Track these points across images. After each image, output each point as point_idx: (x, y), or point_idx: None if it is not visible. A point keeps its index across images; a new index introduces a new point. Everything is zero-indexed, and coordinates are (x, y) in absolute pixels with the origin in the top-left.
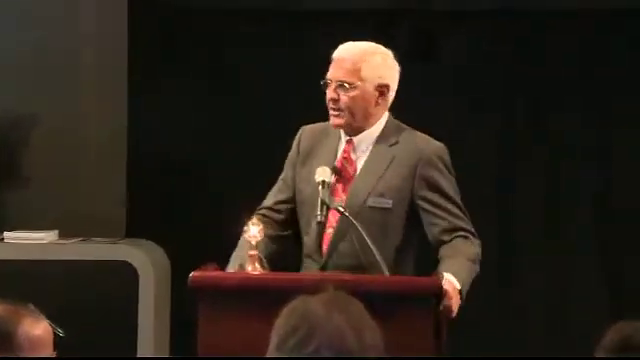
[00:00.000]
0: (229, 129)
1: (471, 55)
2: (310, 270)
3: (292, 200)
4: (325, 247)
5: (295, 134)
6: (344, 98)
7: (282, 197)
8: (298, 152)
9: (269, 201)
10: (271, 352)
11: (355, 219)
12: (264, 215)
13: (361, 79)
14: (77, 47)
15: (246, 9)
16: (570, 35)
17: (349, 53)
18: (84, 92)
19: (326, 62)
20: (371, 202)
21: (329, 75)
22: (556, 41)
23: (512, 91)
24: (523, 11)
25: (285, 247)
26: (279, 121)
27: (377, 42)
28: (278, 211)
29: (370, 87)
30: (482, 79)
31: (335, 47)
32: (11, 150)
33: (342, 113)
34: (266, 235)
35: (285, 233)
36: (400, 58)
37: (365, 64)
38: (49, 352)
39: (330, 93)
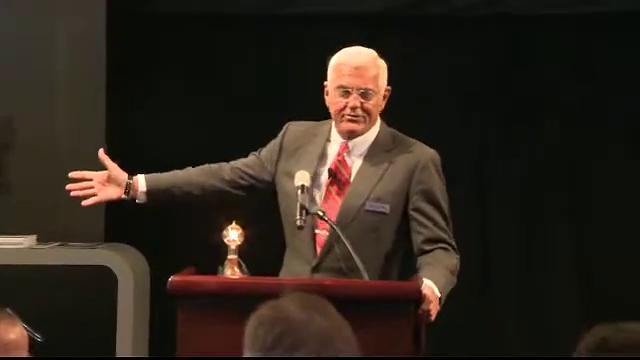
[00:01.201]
0: (209, 133)
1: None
2: (299, 271)
3: (256, 180)
4: (319, 249)
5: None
6: (367, 105)
7: (249, 171)
8: (281, 146)
9: (240, 163)
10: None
11: (351, 222)
12: (237, 168)
13: (377, 86)
14: (53, 48)
15: (233, 13)
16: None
17: (366, 61)
18: (61, 95)
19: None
20: (368, 206)
21: (349, 83)
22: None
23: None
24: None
25: (222, 197)
26: (264, 125)
27: (369, 46)
28: (242, 174)
29: (381, 93)
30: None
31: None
32: None
33: (361, 119)
34: (226, 180)
35: (234, 193)
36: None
37: (381, 71)
38: (26, 353)
39: (353, 101)
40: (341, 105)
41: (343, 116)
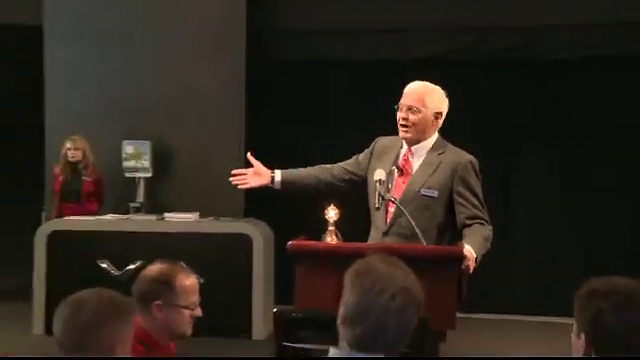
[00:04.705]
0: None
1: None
2: (375, 238)
3: (355, 175)
4: (388, 220)
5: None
6: (412, 118)
7: (350, 169)
8: (372, 151)
9: (344, 164)
10: (351, 298)
11: (411, 202)
12: (343, 168)
13: (424, 106)
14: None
15: (336, 60)
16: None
17: (416, 88)
18: (215, 119)
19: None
20: (422, 192)
21: (401, 102)
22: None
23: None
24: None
25: (331, 187)
26: (366, 138)
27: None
28: (345, 172)
29: (430, 113)
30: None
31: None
32: (165, 158)
33: (409, 129)
34: (334, 174)
35: (338, 184)
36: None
37: (427, 96)
38: (196, 297)
39: (401, 114)
40: (398, 118)
41: (399, 128)
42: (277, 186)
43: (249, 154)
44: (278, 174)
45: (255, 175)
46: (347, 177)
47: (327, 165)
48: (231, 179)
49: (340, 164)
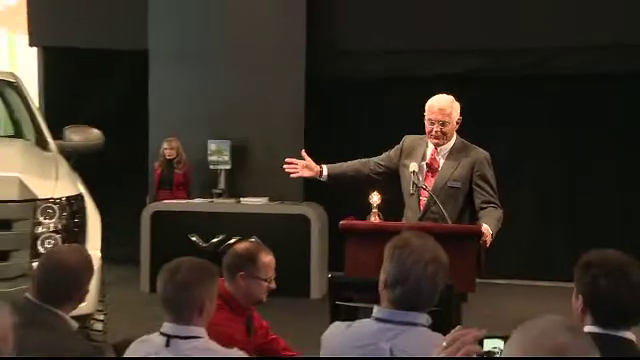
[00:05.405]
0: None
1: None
2: (411, 219)
3: (387, 168)
4: (422, 206)
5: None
6: (443, 130)
7: (383, 163)
8: (402, 148)
9: (378, 159)
10: (391, 267)
11: (440, 192)
12: (376, 162)
13: (451, 119)
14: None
15: (382, 77)
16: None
17: (443, 104)
18: (277, 123)
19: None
20: (449, 184)
21: (434, 117)
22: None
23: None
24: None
25: (372, 177)
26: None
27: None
28: (379, 165)
29: (454, 122)
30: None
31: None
32: (241, 154)
33: (440, 138)
34: (367, 172)
35: (374, 177)
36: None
37: (453, 110)
38: (273, 272)
39: (436, 127)
40: (429, 129)
41: (430, 136)
42: (324, 179)
43: (303, 151)
44: (325, 169)
45: (305, 168)
46: (381, 170)
47: (364, 159)
48: (285, 166)
49: (374, 159)
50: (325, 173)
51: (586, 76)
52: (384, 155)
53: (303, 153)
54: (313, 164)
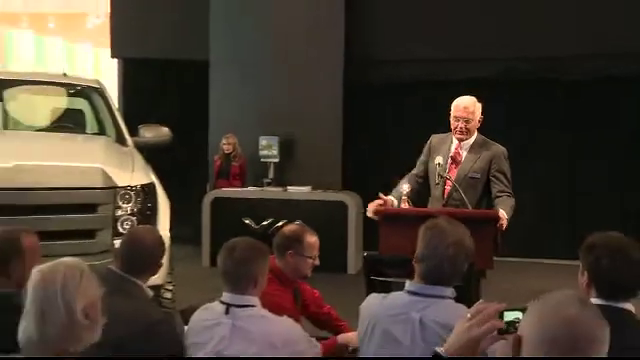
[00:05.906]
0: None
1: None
2: (436, 206)
3: (423, 172)
4: (445, 195)
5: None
6: (467, 127)
7: (419, 172)
8: (430, 146)
9: (416, 171)
10: (422, 245)
11: (462, 182)
12: (415, 175)
13: (474, 116)
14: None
15: (407, 82)
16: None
17: (467, 103)
18: (320, 121)
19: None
20: (470, 175)
21: (459, 115)
22: None
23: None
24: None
25: (420, 190)
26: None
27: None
28: (419, 177)
29: (476, 119)
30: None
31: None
32: (288, 148)
33: (464, 134)
34: (413, 187)
35: (419, 186)
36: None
37: (476, 109)
38: (317, 251)
39: (460, 124)
40: (454, 126)
41: (455, 132)
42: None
43: (381, 194)
44: (395, 202)
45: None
46: (422, 181)
47: (408, 175)
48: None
49: (414, 172)
50: (395, 204)
51: (599, 79)
52: (418, 163)
53: (381, 195)
54: (389, 201)
